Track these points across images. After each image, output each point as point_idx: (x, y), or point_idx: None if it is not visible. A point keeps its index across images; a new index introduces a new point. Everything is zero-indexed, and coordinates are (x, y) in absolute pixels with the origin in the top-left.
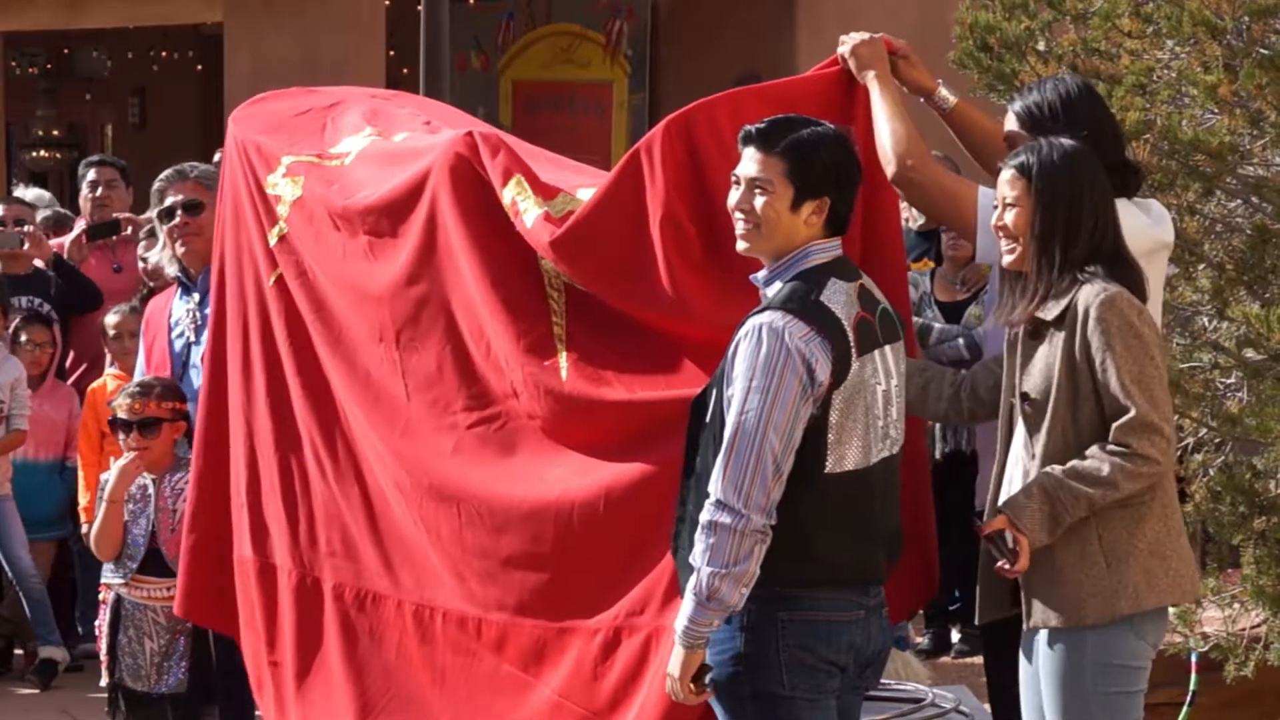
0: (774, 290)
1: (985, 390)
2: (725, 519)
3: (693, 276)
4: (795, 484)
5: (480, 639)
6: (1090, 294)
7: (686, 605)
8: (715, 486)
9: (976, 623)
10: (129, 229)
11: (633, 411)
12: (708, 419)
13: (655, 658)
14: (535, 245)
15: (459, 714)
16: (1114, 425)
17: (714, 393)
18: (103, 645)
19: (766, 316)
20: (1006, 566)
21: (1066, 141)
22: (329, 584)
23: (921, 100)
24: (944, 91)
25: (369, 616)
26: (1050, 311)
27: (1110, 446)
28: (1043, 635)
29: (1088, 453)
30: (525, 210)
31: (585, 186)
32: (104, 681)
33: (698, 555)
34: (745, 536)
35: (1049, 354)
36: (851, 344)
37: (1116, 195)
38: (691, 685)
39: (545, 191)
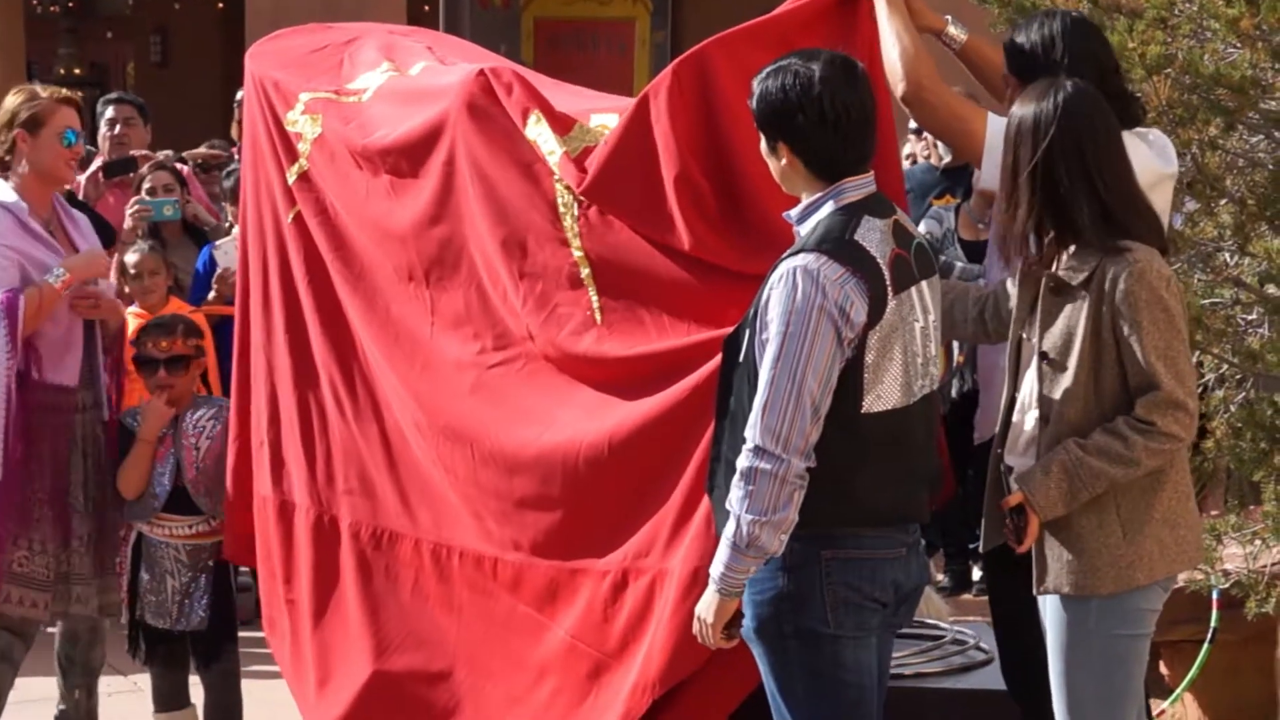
0: (807, 228)
1: (1008, 313)
2: (765, 465)
3: (711, 235)
4: (832, 425)
5: (496, 579)
6: (1119, 266)
7: (723, 552)
8: (753, 432)
9: (981, 550)
10: (145, 168)
11: (647, 357)
12: (740, 359)
13: (660, 600)
14: (569, 182)
15: (475, 653)
16: (1139, 400)
17: (746, 333)
18: (123, 583)
19: (800, 259)
20: (1013, 544)
21: (1055, 97)
22: (346, 522)
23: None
24: (953, 29)
25: (385, 555)
26: (1075, 276)
27: (1135, 423)
28: (1052, 600)
29: (1110, 427)
30: (550, 152)
31: (597, 111)
32: (124, 619)
33: (735, 502)
34: (785, 483)
35: (1071, 317)
36: (887, 283)
37: (1122, 128)
38: (723, 632)
39: (561, 125)
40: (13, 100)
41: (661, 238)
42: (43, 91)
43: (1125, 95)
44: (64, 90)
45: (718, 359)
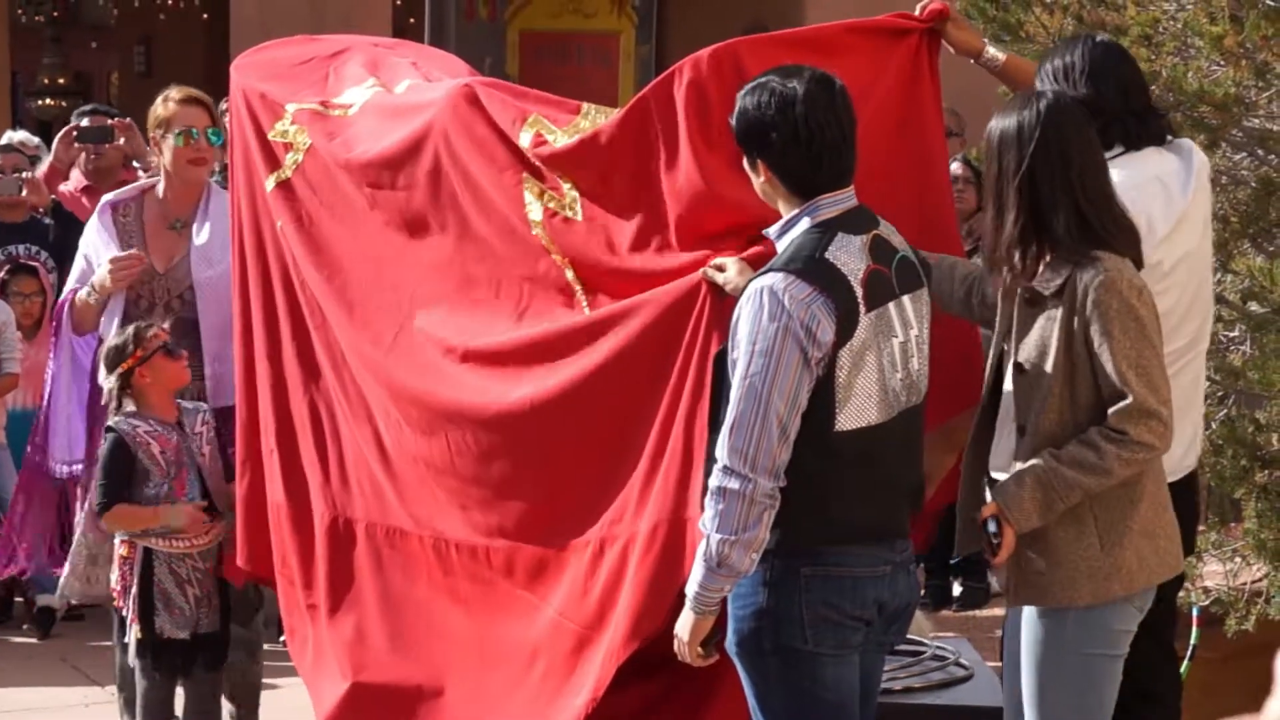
0: (783, 244)
1: (995, 299)
2: (733, 485)
3: (709, 153)
4: (805, 443)
5: (492, 566)
6: (1090, 275)
7: (697, 570)
8: (722, 452)
9: (954, 558)
10: (122, 139)
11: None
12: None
13: (630, 565)
14: (559, 162)
15: (484, 643)
16: (1111, 411)
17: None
18: (132, 603)
19: (768, 279)
20: (989, 556)
21: (1036, 105)
22: (361, 524)
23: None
24: (992, 50)
25: (400, 553)
26: (1048, 286)
27: (1108, 432)
28: (1028, 612)
29: (1084, 438)
30: (554, 140)
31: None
32: (129, 638)
33: (707, 521)
34: (754, 502)
35: (1045, 328)
36: (859, 300)
37: (1148, 144)
38: (700, 649)
39: (563, 118)
40: (156, 104)
41: (644, 170)
42: (174, 93)
43: (1150, 111)
44: (193, 90)
45: (660, 297)
